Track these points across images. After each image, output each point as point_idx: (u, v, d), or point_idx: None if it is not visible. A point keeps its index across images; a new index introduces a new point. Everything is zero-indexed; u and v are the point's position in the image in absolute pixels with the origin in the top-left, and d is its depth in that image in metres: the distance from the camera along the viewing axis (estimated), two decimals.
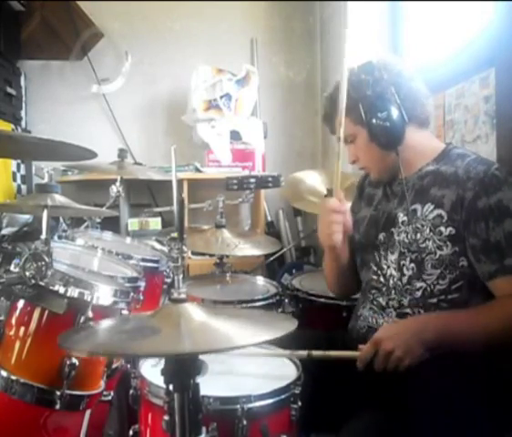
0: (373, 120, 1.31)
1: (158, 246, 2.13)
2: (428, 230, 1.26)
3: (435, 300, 1.26)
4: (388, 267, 1.36)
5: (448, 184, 1.26)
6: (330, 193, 1.38)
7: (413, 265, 1.29)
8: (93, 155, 1.15)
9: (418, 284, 1.28)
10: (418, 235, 1.28)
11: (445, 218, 1.24)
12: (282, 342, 1.29)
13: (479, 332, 1.17)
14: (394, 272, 1.34)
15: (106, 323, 1.04)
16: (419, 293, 1.28)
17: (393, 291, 1.34)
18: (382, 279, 1.37)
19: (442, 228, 1.24)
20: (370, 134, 1.33)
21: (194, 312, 0.92)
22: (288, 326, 0.92)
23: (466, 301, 1.23)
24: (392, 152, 1.34)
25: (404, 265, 1.31)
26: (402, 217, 1.34)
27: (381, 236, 1.39)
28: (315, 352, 1.23)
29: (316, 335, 1.52)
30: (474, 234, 1.20)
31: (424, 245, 1.27)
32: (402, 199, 1.36)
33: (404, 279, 1.31)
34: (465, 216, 1.21)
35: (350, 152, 1.42)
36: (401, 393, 1.17)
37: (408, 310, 1.30)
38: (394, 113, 1.30)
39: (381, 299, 1.36)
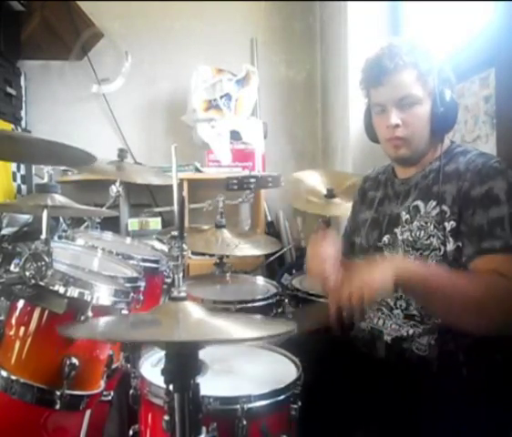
0: (445, 97, 1.28)
1: (158, 246, 2.13)
2: (432, 227, 1.25)
3: None
4: None
5: (450, 180, 1.26)
6: (330, 193, 1.37)
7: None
8: (92, 159, 1.15)
9: None
10: (422, 232, 1.27)
11: (447, 214, 1.23)
12: (284, 344, 1.29)
13: (457, 293, 1.12)
14: None
15: (106, 319, 1.05)
16: None
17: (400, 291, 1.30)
18: None
19: (446, 224, 1.23)
20: (433, 108, 1.29)
21: (193, 310, 0.93)
22: (286, 327, 0.92)
23: None
24: (436, 138, 1.33)
25: None
26: (405, 215, 1.33)
27: (385, 238, 1.37)
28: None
29: (317, 336, 1.51)
30: (464, 222, 1.20)
31: (428, 241, 1.26)
32: (405, 198, 1.36)
33: None
34: (460, 206, 1.21)
35: (396, 114, 1.28)
36: (403, 402, 1.17)
37: (415, 312, 1.27)
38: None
39: (389, 300, 1.33)
